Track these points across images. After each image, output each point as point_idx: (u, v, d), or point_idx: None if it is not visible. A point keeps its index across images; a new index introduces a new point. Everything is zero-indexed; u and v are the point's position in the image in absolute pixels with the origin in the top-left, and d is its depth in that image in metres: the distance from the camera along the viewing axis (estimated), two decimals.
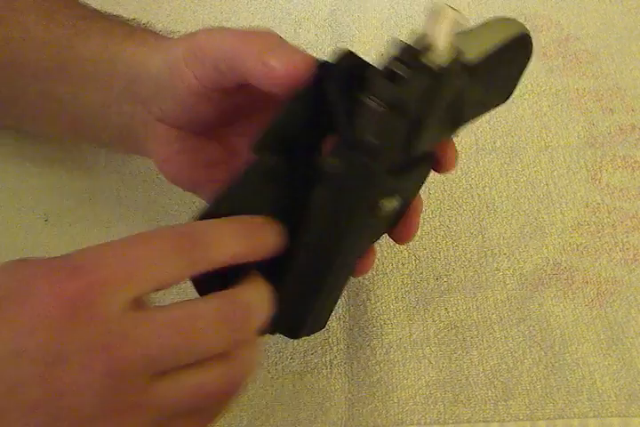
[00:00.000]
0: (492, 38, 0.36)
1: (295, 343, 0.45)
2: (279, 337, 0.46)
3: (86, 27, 0.45)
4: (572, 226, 0.49)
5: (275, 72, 0.35)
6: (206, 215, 0.33)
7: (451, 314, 0.46)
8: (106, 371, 0.29)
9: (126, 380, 0.29)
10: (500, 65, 0.37)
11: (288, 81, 0.35)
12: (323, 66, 0.35)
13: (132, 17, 0.49)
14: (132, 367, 0.29)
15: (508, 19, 0.37)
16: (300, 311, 0.38)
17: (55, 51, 0.45)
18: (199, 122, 0.40)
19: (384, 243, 0.49)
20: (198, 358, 0.31)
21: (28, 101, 0.47)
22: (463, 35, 0.34)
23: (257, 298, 0.33)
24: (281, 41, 0.37)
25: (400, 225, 0.40)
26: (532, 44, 0.38)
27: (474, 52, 0.34)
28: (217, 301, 0.32)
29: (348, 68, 0.34)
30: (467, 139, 0.54)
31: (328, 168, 0.34)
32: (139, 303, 0.30)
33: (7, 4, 0.46)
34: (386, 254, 0.48)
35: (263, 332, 0.34)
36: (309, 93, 0.35)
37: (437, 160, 0.39)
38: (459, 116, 0.36)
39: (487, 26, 0.37)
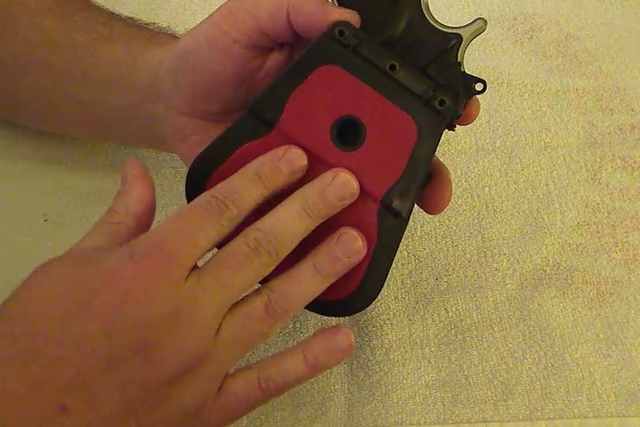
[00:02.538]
0: None
1: (295, 344, 0.45)
2: (280, 336, 0.46)
3: (108, 32, 0.45)
4: (571, 226, 0.49)
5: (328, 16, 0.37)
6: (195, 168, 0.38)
7: (450, 314, 0.46)
8: (190, 325, 0.33)
9: (202, 326, 0.33)
10: None
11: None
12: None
13: (131, 17, 0.49)
14: (206, 315, 0.33)
15: None
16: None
17: (77, 55, 0.45)
18: (219, 100, 0.41)
19: None
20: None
21: (50, 105, 0.47)
22: None
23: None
24: None
25: (431, 193, 0.40)
26: None
27: None
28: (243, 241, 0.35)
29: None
30: (467, 139, 0.54)
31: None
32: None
33: (21, 5, 0.46)
34: None
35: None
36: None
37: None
38: None
39: None
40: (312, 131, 0.37)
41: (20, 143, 0.54)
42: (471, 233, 0.49)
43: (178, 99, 0.41)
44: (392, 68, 0.37)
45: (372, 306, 0.46)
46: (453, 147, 0.53)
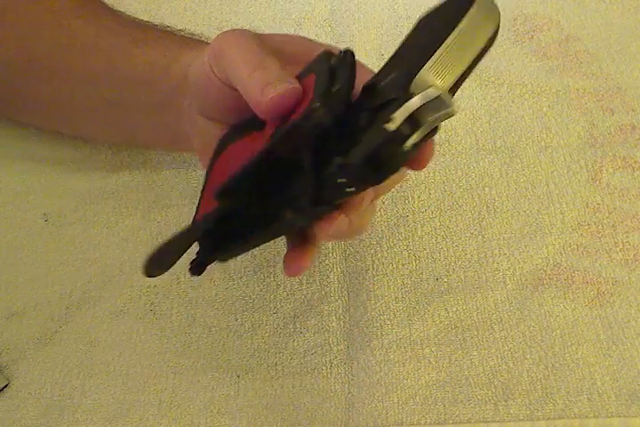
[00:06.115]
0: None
1: (295, 344, 0.45)
2: (280, 336, 0.46)
3: (143, 36, 0.46)
4: (572, 226, 0.49)
5: (260, 106, 0.35)
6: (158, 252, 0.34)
7: (451, 314, 0.46)
8: None
9: None
10: None
11: (271, 113, 0.35)
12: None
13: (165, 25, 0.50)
14: None
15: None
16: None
17: (108, 57, 0.45)
18: (231, 114, 0.41)
19: (384, 243, 0.49)
20: None
21: (74, 104, 0.48)
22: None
23: None
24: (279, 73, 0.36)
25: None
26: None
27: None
28: None
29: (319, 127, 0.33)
30: (467, 139, 0.54)
31: (287, 220, 0.34)
32: None
33: (45, 7, 0.46)
34: (386, 255, 0.48)
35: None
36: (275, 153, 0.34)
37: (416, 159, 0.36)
38: None
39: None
40: None
41: (20, 143, 0.55)
42: (471, 233, 0.49)
43: (197, 102, 0.42)
44: None
45: (371, 306, 0.47)
46: (454, 147, 0.53)
